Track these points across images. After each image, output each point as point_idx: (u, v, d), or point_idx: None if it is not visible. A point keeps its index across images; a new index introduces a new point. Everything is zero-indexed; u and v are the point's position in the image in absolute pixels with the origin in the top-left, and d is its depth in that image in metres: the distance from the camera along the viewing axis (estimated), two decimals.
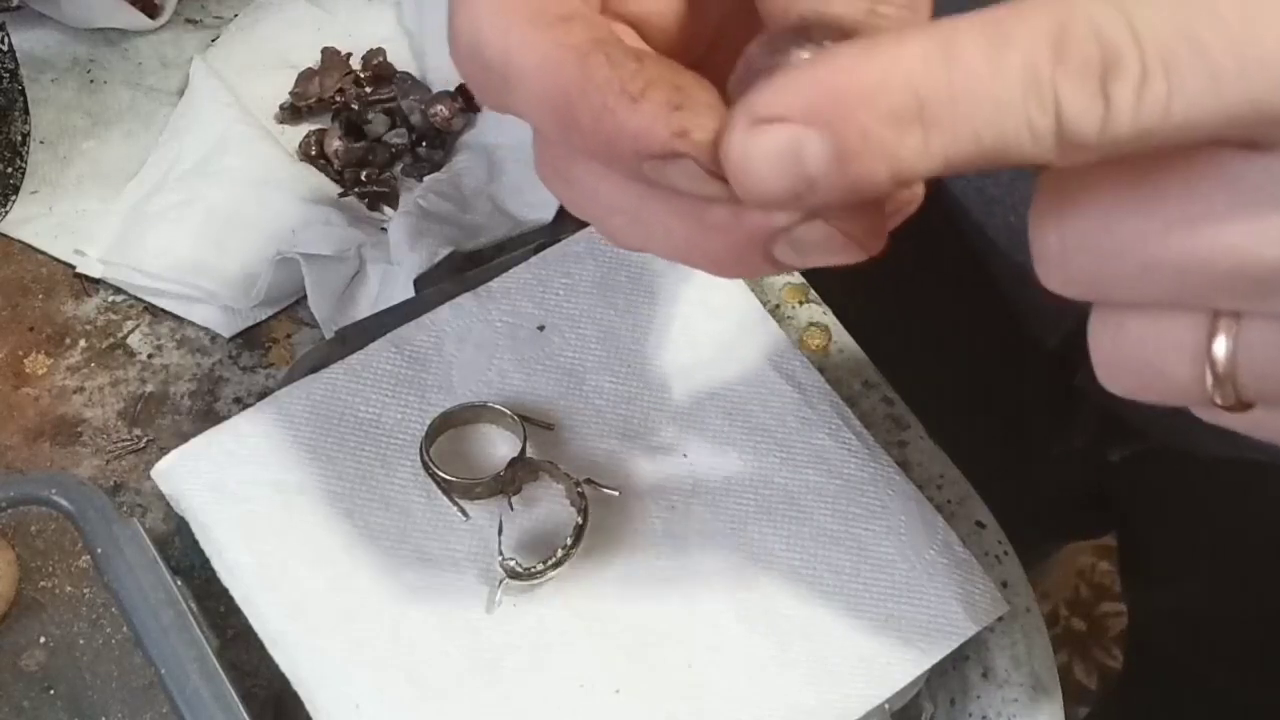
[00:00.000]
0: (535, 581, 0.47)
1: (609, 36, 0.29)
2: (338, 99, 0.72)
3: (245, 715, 0.45)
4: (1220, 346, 0.26)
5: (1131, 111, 0.23)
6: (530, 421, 0.51)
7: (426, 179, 0.69)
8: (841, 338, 0.58)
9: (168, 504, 0.51)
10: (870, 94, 0.24)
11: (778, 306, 0.59)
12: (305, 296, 0.64)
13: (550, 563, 0.47)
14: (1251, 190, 0.24)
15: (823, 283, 0.61)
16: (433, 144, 0.71)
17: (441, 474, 0.49)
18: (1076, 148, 0.24)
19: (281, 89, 0.73)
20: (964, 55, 0.24)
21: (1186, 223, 0.25)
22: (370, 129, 0.71)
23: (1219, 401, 0.26)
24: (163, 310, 0.65)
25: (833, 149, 0.24)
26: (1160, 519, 0.77)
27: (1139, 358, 0.27)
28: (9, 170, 0.68)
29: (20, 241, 0.67)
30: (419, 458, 0.50)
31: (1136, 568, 0.88)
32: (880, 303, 0.60)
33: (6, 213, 0.67)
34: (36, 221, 0.68)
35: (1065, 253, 0.26)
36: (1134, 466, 0.71)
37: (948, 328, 0.69)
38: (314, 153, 0.71)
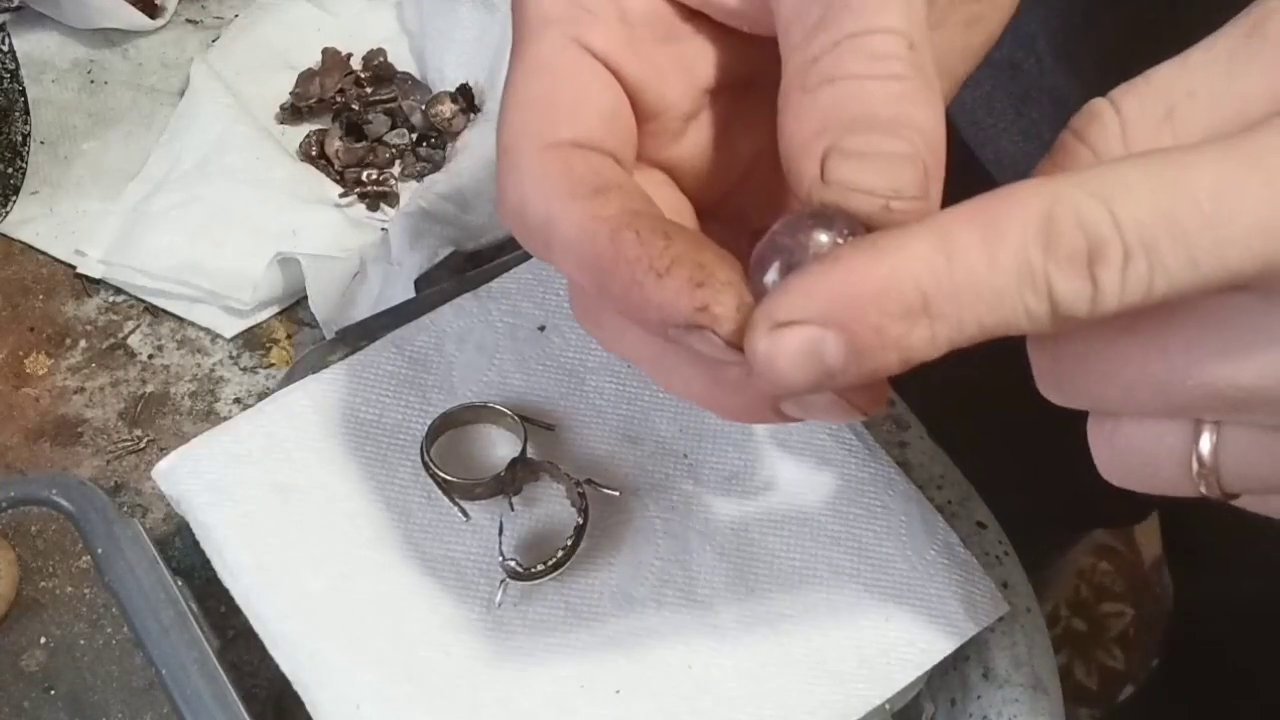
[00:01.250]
0: (536, 582, 0.47)
1: (641, 208, 0.31)
2: (338, 99, 0.72)
3: (246, 716, 0.45)
4: (1204, 446, 0.29)
5: (1118, 290, 0.26)
6: (531, 422, 0.51)
7: (427, 179, 0.69)
8: None
9: (168, 504, 0.51)
10: (880, 295, 0.26)
11: None
12: (306, 297, 0.64)
13: (551, 563, 0.47)
14: (1225, 325, 0.27)
15: None
16: (433, 144, 0.71)
17: (442, 474, 0.49)
18: (1070, 321, 0.26)
19: (282, 89, 0.73)
20: (962, 251, 0.26)
21: (1165, 354, 0.28)
22: (371, 129, 0.71)
23: (1205, 492, 0.30)
24: (163, 310, 0.65)
25: (849, 345, 0.27)
26: (1208, 503, 0.76)
27: (1133, 457, 0.30)
28: (9, 171, 0.68)
29: (21, 242, 0.67)
30: (419, 458, 0.50)
31: (1184, 555, 0.88)
32: None
33: (7, 213, 0.67)
34: (37, 222, 0.68)
35: (1059, 374, 0.29)
36: None
37: None
38: (315, 153, 0.71)
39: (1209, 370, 0.27)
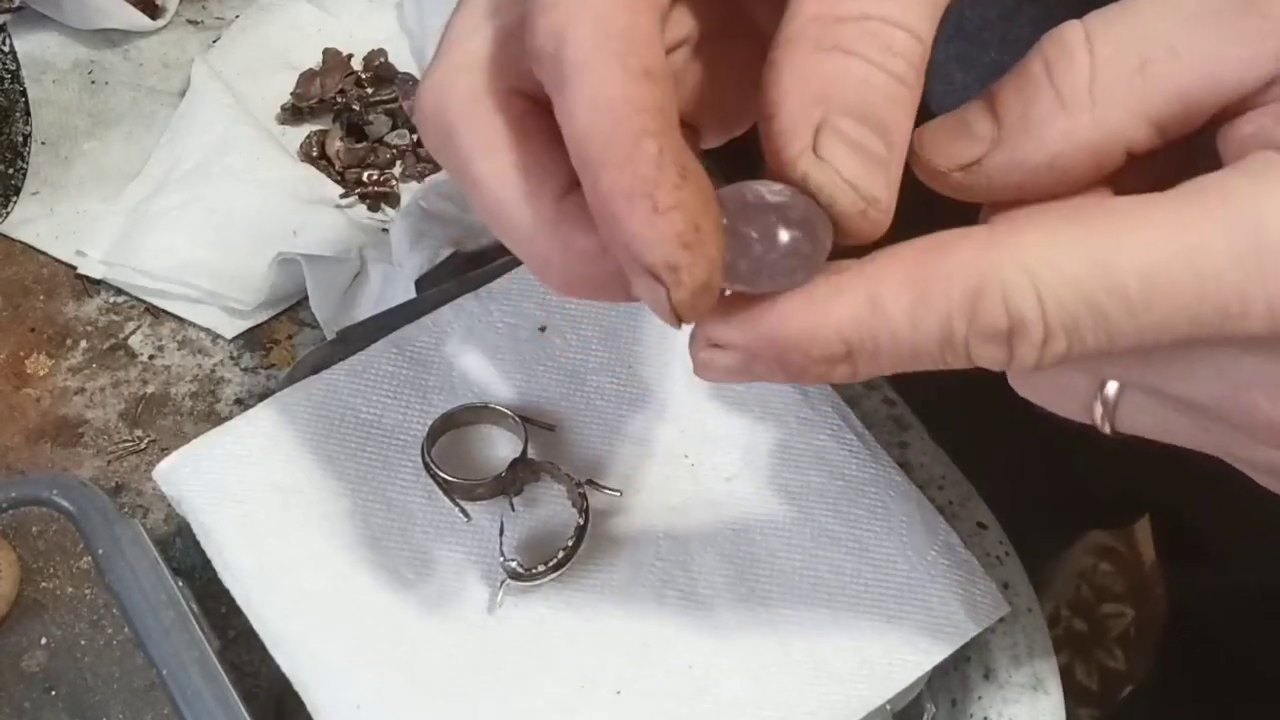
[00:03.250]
0: (536, 582, 0.47)
1: (672, 120, 0.29)
2: (339, 100, 0.72)
3: (246, 716, 0.45)
4: (1110, 391, 0.32)
5: (1033, 361, 0.28)
6: (531, 422, 0.51)
7: (428, 179, 0.70)
8: None
9: (169, 505, 0.51)
10: (805, 343, 0.29)
11: None
12: (306, 297, 0.64)
13: (551, 564, 0.47)
14: None
15: None
16: None
17: (443, 475, 0.49)
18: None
19: (283, 90, 0.73)
20: (889, 312, 0.28)
21: None
22: (371, 130, 0.71)
23: (1098, 425, 0.32)
24: (164, 311, 0.65)
25: (775, 370, 0.30)
26: (1204, 496, 0.76)
27: (1046, 387, 0.33)
28: (10, 171, 0.68)
29: (21, 242, 0.67)
30: (420, 459, 0.50)
31: (1178, 550, 0.88)
32: None
33: (8, 214, 0.67)
34: (38, 222, 0.68)
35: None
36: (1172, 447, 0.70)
37: None
38: (315, 154, 0.71)
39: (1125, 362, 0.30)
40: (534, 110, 0.32)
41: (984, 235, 0.28)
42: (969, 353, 0.28)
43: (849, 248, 0.30)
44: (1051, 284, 0.27)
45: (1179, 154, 0.30)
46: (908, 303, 0.28)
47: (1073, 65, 0.29)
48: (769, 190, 0.29)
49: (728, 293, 0.30)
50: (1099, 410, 0.32)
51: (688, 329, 0.31)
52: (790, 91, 0.29)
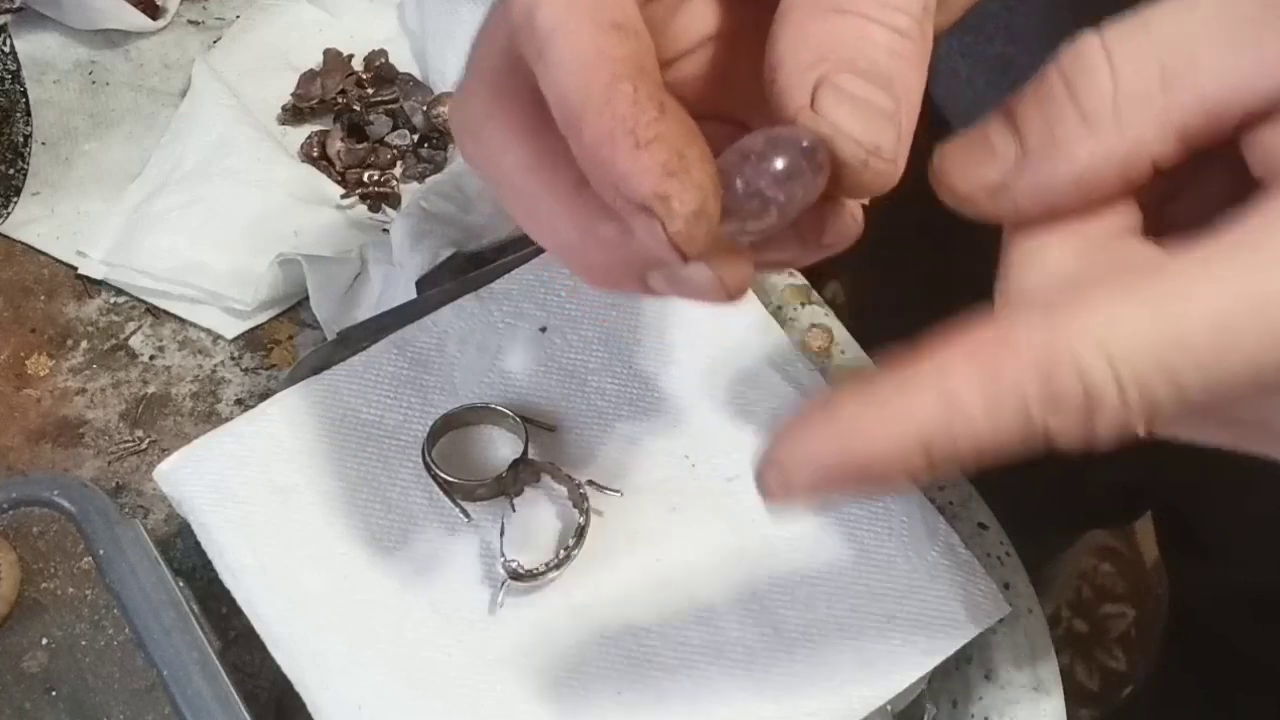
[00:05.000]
0: (537, 583, 0.47)
1: (647, 66, 0.29)
2: (340, 100, 0.72)
3: (247, 717, 0.45)
4: None
5: (1112, 432, 0.27)
6: (532, 423, 0.51)
7: (428, 180, 0.70)
8: (844, 339, 0.58)
9: (169, 505, 0.51)
10: (885, 456, 0.28)
11: (780, 308, 0.59)
12: (307, 298, 0.64)
13: (552, 564, 0.47)
14: None
15: (824, 281, 0.61)
16: (435, 145, 0.71)
17: (443, 475, 0.49)
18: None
19: (283, 90, 0.73)
20: (962, 405, 0.27)
21: None
22: (372, 130, 0.71)
23: None
24: (164, 311, 0.65)
25: (854, 483, 0.29)
26: (1206, 491, 0.76)
27: None
28: (11, 172, 0.68)
29: (22, 243, 0.67)
30: (421, 459, 0.50)
31: (1181, 545, 0.87)
32: (884, 304, 0.60)
33: (8, 214, 0.67)
34: (38, 223, 0.68)
35: None
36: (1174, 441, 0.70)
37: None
38: (316, 154, 0.71)
39: None
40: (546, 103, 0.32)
41: (1043, 315, 0.27)
42: (1048, 432, 0.27)
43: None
44: (1124, 350, 0.26)
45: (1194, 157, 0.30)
46: (979, 393, 0.27)
47: (1095, 81, 0.29)
48: (760, 136, 0.29)
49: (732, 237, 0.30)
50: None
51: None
52: (788, 54, 0.30)
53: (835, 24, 0.29)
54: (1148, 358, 0.26)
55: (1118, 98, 0.28)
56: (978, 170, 0.30)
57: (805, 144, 0.29)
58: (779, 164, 0.29)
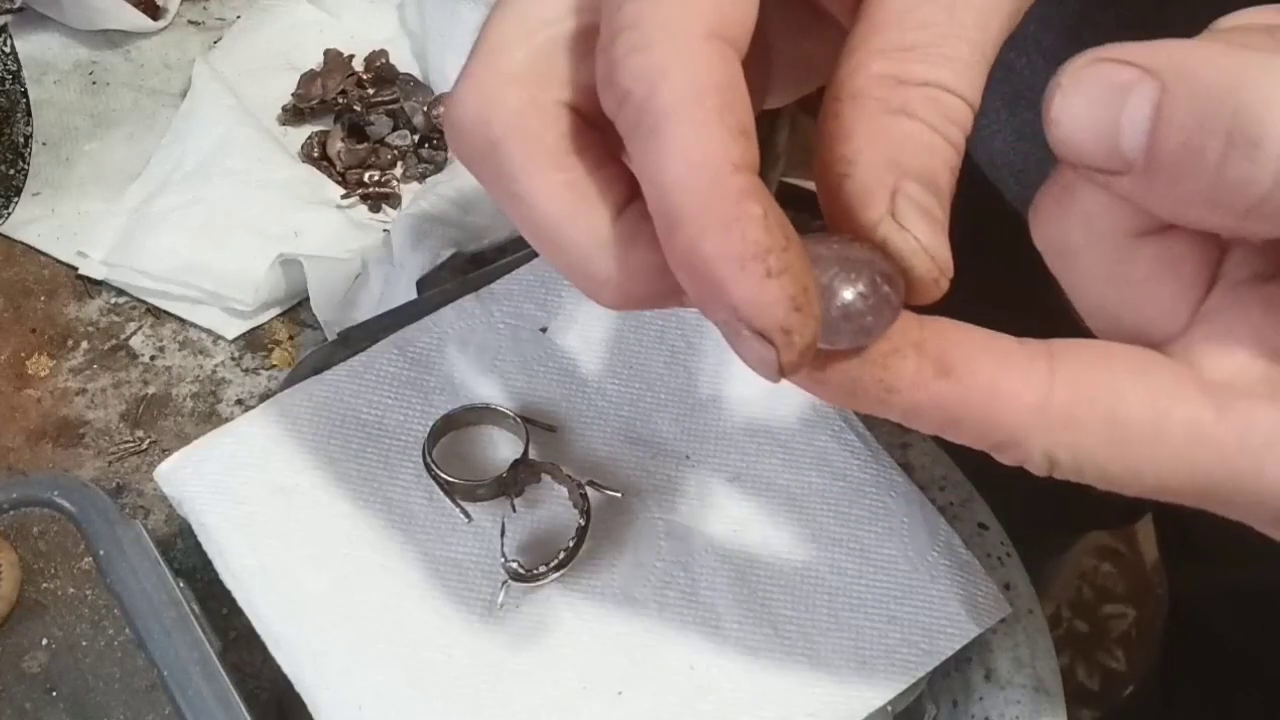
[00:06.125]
0: (538, 583, 0.47)
1: (765, 187, 0.28)
2: (340, 100, 0.72)
3: (248, 717, 0.45)
4: None
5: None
6: (533, 423, 0.51)
7: (429, 180, 0.70)
8: None
9: (170, 505, 0.51)
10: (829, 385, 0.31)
11: None
12: (307, 298, 0.64)
13: (553, 564, 0.47)
14: None
15: None
16: (435, 145, 0.71)
17: (444, 476, 0.49)
18: None
19: (284, 91, 0.73)
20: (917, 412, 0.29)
21: None
22: (373, 130, 0.71)
23: None
24: (165, 312, 0.65)
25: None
26: None
27: None
28: (11, 172, 0.68)
29: (23, 243, 0.67)
30: (421, 460, 0.50)
31: (1181, 548, 0.87)
32: None
33: (9, 214, 0.67)
34: (39, 223, 0.68)
35: None
36: None
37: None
38: (316, 154, 0.71)
39: None
40: (584, 126, 0.31)
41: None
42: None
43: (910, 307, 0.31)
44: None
45: None
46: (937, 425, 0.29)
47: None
48: (845, 246, 0.29)
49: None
50: None
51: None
52: (864, 152, 0.29)
53: (905, 128, 0.29)
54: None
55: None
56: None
57: (888, 270, 0.29)
58: (874, 290, 0.28)
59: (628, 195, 0.30)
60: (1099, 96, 0.27)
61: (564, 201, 0.30)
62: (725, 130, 0.28)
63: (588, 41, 0.30)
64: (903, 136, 0.29)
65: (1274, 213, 0.26)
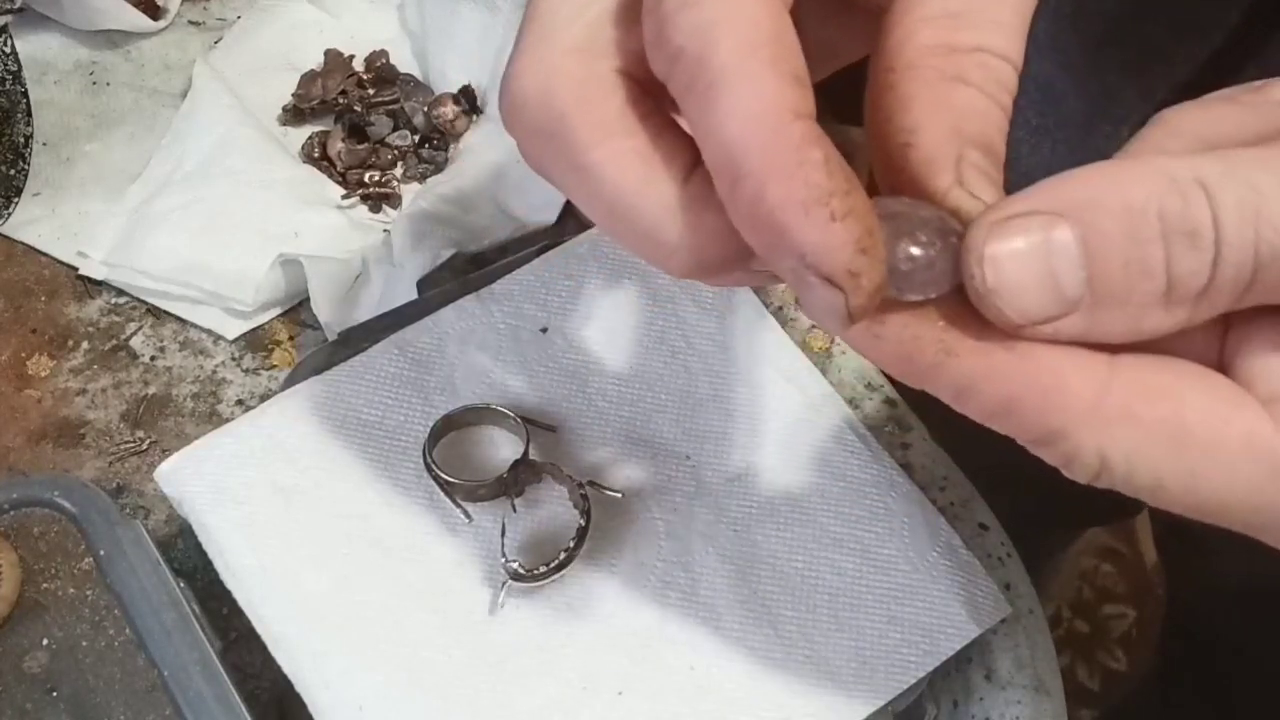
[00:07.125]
0: (538, 583, 0.47)
1: (823, 134, 0.28)
2: (340, 101, 0.72)
3: (248, 717, 0.45)
4: None
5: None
6: (533, 423, 0.51)
7: (429, 181, 0.69)
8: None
9: (170, 506, 0.51)
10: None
11: (781, 309, 0.59)
12: (308, 298, 0.64)
13: (553, 565, 0.47)
14: None
15: None
16: (435, 146, 0.71)
17: (444, 476, 0.49)
18: None
19: (284, 91, 0.73)
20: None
21: None
22: (373, 131, 0.71)
23: None
24: (165, 312, 0.65)
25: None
26: None
27: None
28: (12, 172, 0.68)
29: (23, 243, 0.67)
30: (422, 460, 0.50)
31: (1179, 537, 0.87)
32: None
33: (9, 215, 0.67)
34: (39, 223, 0.68)
35: None
36: None
37: None
38: (317, 155, 0.71)
39: None
40: (644, 94, 0.31)
41: None
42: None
43: None
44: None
45: None
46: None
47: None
48: (913, 205, 0.29)
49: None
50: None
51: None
52: (926, 121, 0.29)
53: (963, 96, 0.29)
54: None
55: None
56: None
57: (956, 228, 0.29)
58: (945, 241, 0.29)
59: (692, 160, 0.30)
60: (1023, 252, 0.27)
61: (634, 170, 0.30)
62: (781, 79, 0.28)
63: (634, 9, 0.30)
64: (961, 104, 0.29)
65: (1228, 285, 0.27)
